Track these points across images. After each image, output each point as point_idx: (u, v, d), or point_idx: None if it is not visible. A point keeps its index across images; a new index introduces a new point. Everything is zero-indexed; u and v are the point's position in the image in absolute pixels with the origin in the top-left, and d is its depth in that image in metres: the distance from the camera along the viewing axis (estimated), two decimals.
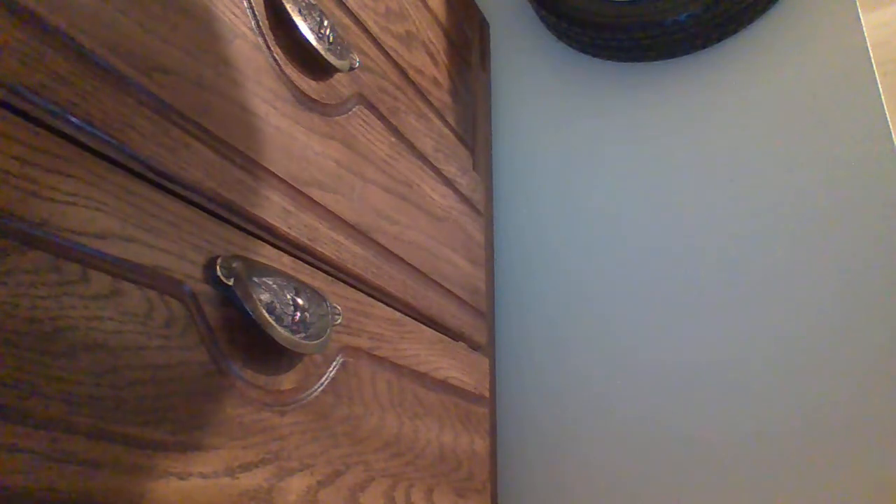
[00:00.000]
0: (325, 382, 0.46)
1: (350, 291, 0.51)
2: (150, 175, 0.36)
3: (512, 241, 0.93)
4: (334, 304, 0.48)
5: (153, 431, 0.33)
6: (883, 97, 0.75)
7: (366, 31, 0.61)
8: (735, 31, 0.85)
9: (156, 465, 0.32)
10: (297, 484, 0.42)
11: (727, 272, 0.78)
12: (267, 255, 0.43)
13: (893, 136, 0.73)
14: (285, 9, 0.48)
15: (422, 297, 0.62)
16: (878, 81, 0.76)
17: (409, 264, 0.60)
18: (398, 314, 0.58)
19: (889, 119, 0.74)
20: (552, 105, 0.97)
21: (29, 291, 0.28)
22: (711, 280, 0.79)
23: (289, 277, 0.44)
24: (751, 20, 0.84)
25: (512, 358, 0.88)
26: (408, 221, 0.61)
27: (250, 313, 0.39)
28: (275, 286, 0.41)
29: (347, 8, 0.58)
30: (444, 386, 0.63)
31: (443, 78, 0.79)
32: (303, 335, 0.42)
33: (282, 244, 0.45)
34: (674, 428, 0.76)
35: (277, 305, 0.41)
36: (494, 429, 0.82)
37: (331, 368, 0.47)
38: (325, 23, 0.52)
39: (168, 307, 0.35)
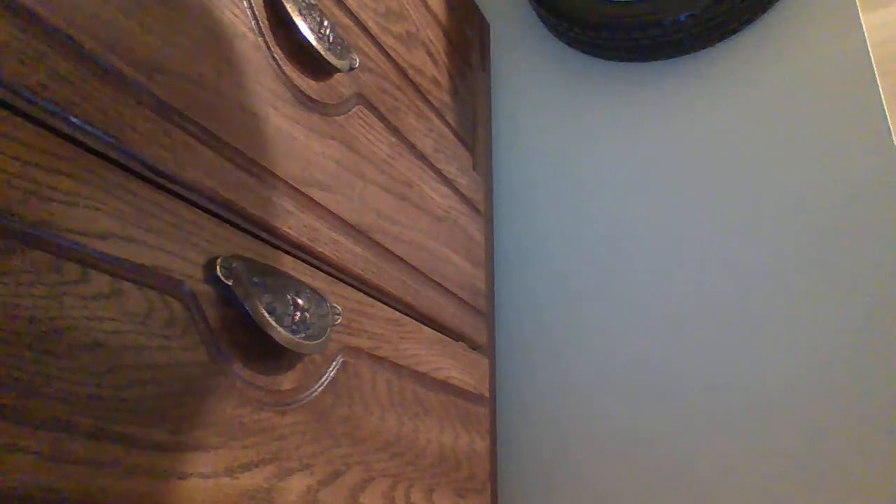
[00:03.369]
0: (325, 382, 0.46)
1: (350, 291, 0.51)
2: (150, 175, 0.36)
3: (512, 241, 0.93)
4: (334, 304, 0.48)
5: (153, 431, 0.33)
6: (883, 97, 0.75)
7: (366, 31, 0.61)
8: (735, 31, 0.85)
9: (156, 465, 0.32)
10: (297, 484, 0.42)
11: (727, 273, 0.78)
12: (267, 254, 0.43)
13: (893, 136, 0.73)
14: (285, 9, 0.48)
15: (422, 297, 0.62)
16: (878, 81, 0.76)
17: (409, 264, 0.60)
18: (398, 314, 0.58)
19: (889, 119, 0.74)
20: (552, 105, 0.97)
21: (29, 291, 0.28)
22: (712, 281, 0.79)
23: (289, 277, 0.44)
24: (751, 20, 0.84)
25: (512, 358, 0.88)
26: (408, 221, 0.61)
27: (250, 313, 0.39)
28: (275, 286, 0.41)
29: (347, 8, 0.58)
30: (444, 386, 0.63)
31: (443, 78, 0.79)
32: (303, 335, 0.42)
33: (282, 244, 0.45)
34: (674, 428, 0.76)
35: (277, 305, 0.41)
36: (494, 429, 0.82)
37: (331, 368, 0.47)
38: (325, 23, 0.52)
39: (168, 307, 0.35)
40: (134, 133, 0.35)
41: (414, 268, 0.61)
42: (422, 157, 0.67)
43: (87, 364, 0.30)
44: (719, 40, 0.85)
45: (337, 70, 0.53)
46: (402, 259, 0.59)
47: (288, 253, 0.46)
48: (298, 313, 0.42)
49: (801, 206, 0.76)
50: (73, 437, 0.29)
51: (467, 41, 0.92)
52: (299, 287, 0.44)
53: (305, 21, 0.49)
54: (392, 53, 0.66)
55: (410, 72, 0.70)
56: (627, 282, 0.84)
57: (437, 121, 0.74)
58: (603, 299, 0.85)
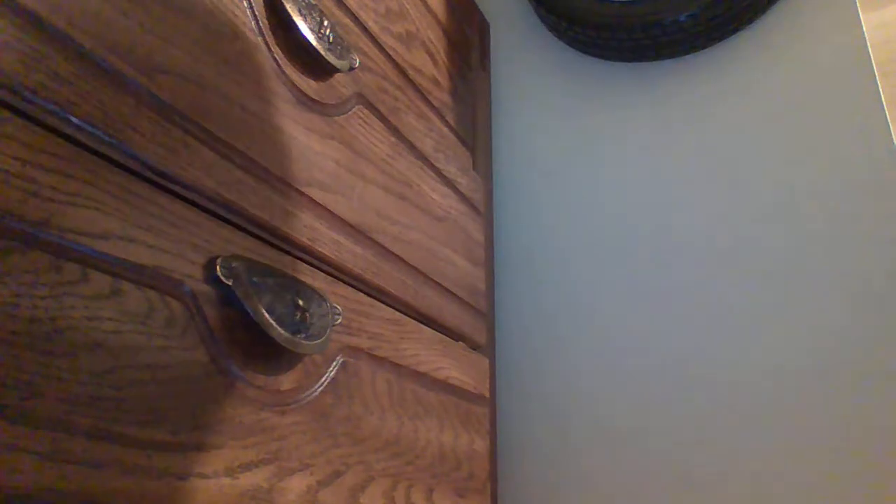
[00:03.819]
0: (325, 382, 0.46)
1: (350, 291, 0.51)
2: (150, 175, 0.36)
3: (512, 241, 0.93)
4: (334, 304, 0.48)
5: (153, 431, 0.33)
6: (883, 97, 0.75)
7: (366, 31, 0.61)
8: (735, 31, 0.85)
9: (156, 465, 0.32)
10: (297, 484, 0.42)
11: (727, 272, 0.78)
12: (267, 254, 0.43)
13: (893, 136, 0.73)
14: (285, 9, 0.48)
15: (422, 297, 0.62)
16: (878, 81, 0.76)
17: (409, 264, 0.60)
18: (398, 314, 0.58)
19: (889, 119, 0.74)
20: (552, 105, 0.97)
21: (29, 291, 0.28)
22: (712, 280, 0.79)
23: (289, 277, 0.44)
24: (751, 20, 0.84)
25: (512, 358, 0.88)
26: (408, 221, 0.61)
27: (250, 313, 0.39)
28: (275, 286, 0.41)
29: (347, 8, 0.58)
30: (444, 386, 0.63)
31: (443, 78, 0.79)
32: (303, 335, 0.42)
33: (282, 244, 0.45)
34: (675, 429, 0.76)
35: (277, 305, 0.41)
36: (494, 429, 0.82)
37: (331, 368, 0.47)
38: (325, 23, 0.52)
39: (168, 307, 0.35)
40: (134, 133, 0.35)
41: (414, 268, 0.61)
42: (422, 157, 0.67)
43: (87, 364, 0.30)
44: (719, 40, 0.85)
45: (337, 70, 0.53)
46: (402, 259, 0.59)
47: (288, 253, 0.46)
48: (298, 313, 0.42)
49: (801, 206, 0.76)
50: (73, 437, 0.29)
51: (467, 41, 0.92)
52: (299, 287, 0.44)
53: (305, 21, 0.49)
54: (392, 53, 0.66)
55: (410, 72, 0.70)
56: (628, 281, 0.84)
57: (437, 121, 0.74)
58: (603, 298, 0.85)
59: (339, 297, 0.50)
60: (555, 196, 0.93)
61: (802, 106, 0.79)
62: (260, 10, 0.47)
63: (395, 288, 0.57)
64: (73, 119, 0.32)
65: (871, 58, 0.77)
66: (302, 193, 0.47)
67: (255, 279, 0.40)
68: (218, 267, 0.38)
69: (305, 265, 0.47)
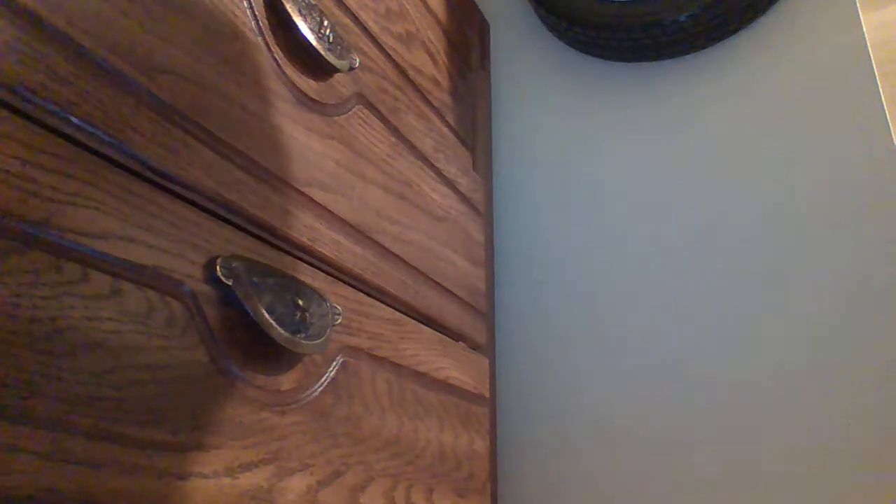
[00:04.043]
0: (325, 382, 0.46)
1: (350, 291, 0.51)
2: (150, 175, 0.36)
3: (512, 241, 0.93)
4: (334, 304, 0.48)
5: (153, 431, 0.33)
6: (883, 97, 0.75)
7: (366, 31, 0.61)
8: (735, 31, 0.85)
9: (156, 465, 0.32)
10: (297, 484, 0.42)
11: (727, 272, 0.78)
12: (267, 254, 0.43)
13: (893, 136, 0.73)
14: (285, 9, 0.48)
15: (422, 297, 0.62)
16: (878, 81, 0.76)
17: (409, 264, 0.60)
18: (398, 314, 0.58)
19: (889, 119, 0.74)
20: (552, 105, 0.97)
21: (29, 291, 0.28)
22: (712, 280, 0.79)
23: (289, 277, 0.44)
24: (751, 20, 0.84)
25: (512, 358, 0.88)
26: (408, 221, 0.61)
27: (250, 313, 0.39)
28: (275, 286, 0.41)
29: (347, 8, 0.58)
30: (444, 386, 0.63)
31: (443, 78, 0.79)
32: (303, 335, 0.42)
33: (282, 244, 0.45)
34: (675, 429, 0.76)
35: (277, 305, 0.41)
36: (494, 429, 0.82)
37: (331, 368, 0.47)
38: (325, 23, 0.52)
39: (168, 307, 0.35)
40: (134, 133, 0.35)
41: (414, 268, 0.61)
42: (422, 157, 0.67)
43: (87, 364, 0.30)
44: (719, 40, 0.85)
45: (337, 70, 0.53)
46: (402, 259, 0.59)
47: (288, 253, 0.46)
48: (298, 313, 0.42)
49: (800, 206, 0.76)
50: (73, 437, 0.29)
51: (467, 41, 0.92)
52: (299, 287, 0.44)
53: (305, 21, 0.49)
54: (392, 53, 0.66)
55: (410, 72, 0.70)
56: (628, 281, 0.84)
57: (437, 121, 0.74)
58: (603, 299, 0.85)
59: (339, 297, 0.50)
60: (555, 196, 0.93)
61: (802, 106, 0.79)
62: (260, 10, 0.47)
63: (395, 288, 0.57)
64: (73, 119, 0.32)
65: (871, 58, 0.77)
66: (302, 193, 0.47)
67: (255, 279, 0.40)
68: (218, 267, 0.38)
69: (305, 265, 0.47)
